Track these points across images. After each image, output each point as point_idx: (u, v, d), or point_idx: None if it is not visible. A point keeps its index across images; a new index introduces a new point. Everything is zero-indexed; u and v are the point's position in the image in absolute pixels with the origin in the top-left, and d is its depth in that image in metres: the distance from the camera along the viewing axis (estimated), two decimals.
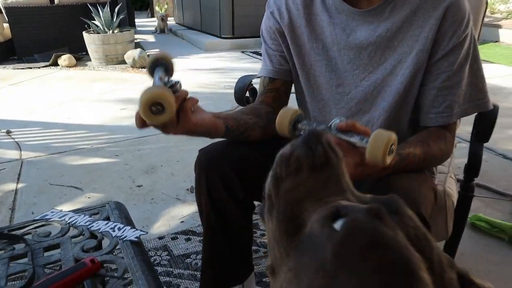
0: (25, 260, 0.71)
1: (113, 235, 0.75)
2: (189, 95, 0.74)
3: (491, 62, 5.01)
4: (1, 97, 3.70)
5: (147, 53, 5.19)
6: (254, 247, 1.53)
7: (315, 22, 0.93)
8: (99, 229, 0.77)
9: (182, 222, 1.71)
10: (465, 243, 1.58)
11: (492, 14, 7.58)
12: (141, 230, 0.76)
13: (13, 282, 0.66)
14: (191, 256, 1.48)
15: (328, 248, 0.30)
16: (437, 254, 0.34)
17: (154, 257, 1.47)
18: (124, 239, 0.74)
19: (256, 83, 1.15)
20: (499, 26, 6.66)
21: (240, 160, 0.88)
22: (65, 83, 4.19)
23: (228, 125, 0.84)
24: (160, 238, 1.59)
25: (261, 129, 0.92)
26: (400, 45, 0.86)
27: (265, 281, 1.35)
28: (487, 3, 1.38)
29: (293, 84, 1.04)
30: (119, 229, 0.76)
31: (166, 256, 1.49)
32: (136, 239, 0.73)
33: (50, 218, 0.81)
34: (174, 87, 0.70)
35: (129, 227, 0.77)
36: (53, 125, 2.90)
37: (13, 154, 2.40)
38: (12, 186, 2.02)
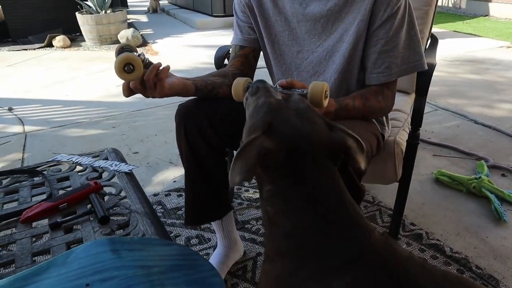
0: (43, 187, 0.90)
1: (111, 169, 0.93)
2: (166, 67, 0.91)
3: (479, 36, 5.12)
4: None
5: (140, 33, 5.29)
6: (239, 201, 1.72)
7: None
8: (100, 165, 0.95)
9: (174, 181, 1.90)
10: (427, 194, 1.79)
11: None
12: (133, 165, 0.94)
13: (36, 199, 0.85)
14: (182, 209, 1.67)
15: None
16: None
17: None
18: (119, 171, 0.92)
19: None
20: (489, 0, 6.74)
21: (212, 112, 1.06)
22: (61, 63, 4.31)
23: (197, 85, 1.01)
24: (155, 195, 1.78)
25: (227, 87, 1.07)
26: (347, 16, 1.03)
27: (247, 227, 1.55)
28: None
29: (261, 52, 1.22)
30: (116, 165, 0.94)
31: (160, 209, 1.68)
32: (129, 171, 0.92)
33: (60, 160, 1.00)
34: (147, 61, 0.90)
35: (123, 163, 0.95)
36: (52, 102, 3.05)
37: (17, 128, 2.57)
38: (18, 155, 2.19)
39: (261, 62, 1.24)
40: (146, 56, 0.91)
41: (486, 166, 1.91)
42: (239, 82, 0.86)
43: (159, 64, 0.90)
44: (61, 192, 0.87)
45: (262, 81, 0.77)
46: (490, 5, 6.71)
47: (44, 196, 0.86)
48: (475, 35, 5.18)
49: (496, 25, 5.89)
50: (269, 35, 1.14)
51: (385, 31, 1.00)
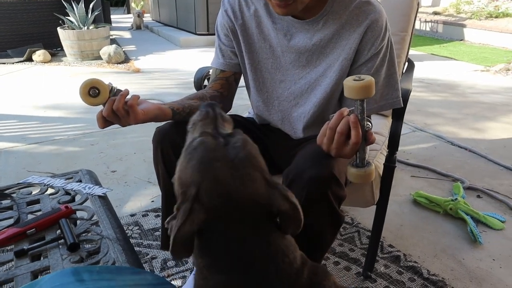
0: (10, 211, 0.86)
1: (84, 192, 0.91)
2: (135, 95, 0.90)
3: (455, 59, 5.30)
4: None
5: (123, 49, 5.27)
6: None
7: (263, 24, 1.09)
8: (73, 188, 0.93)
9: (152, 201, 1.86)
10: (406, 216, 1.80)
11: (457, 14, 7.94)
12: (107, 188, 0.92)
13: (1, 224, 0.81)
14: (159, 230, 1.63)
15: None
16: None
17: (126, 231, 1.62)
18: (93, 194, 0.89)
19: None
20: (464, 26, 7.01)
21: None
22: (40, 78, 4.24)
23: (174, 108, 0.99)
24: (132, 215, 1.74)
25: None
26: (331, 52, 1.04)
27: None
28: (418, 4, 1.59)
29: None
30: (89, 188, 0.92)
31: (137, 230, 1.64)
32: (102, 194, 0.90)
33: (31, 182, 0.96)
34: (116, 90, 0.89)
35: (97, 186, 0.93)
36: (29, 118, 2.99)
37: None
38: None
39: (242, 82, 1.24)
40: (115, 85, 0.91)
41: (462, 187, 1.95)
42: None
43: (127, 92, 0.89)
44: (30, 216, 0.83)
45: (213, 106, 0.71)
46: (465, 30, 6.98)
47: (11, 221, 0.82)
48: (451, 58, 5.36)
49: (471, 49, 6.11)
50: (252, 62, 1.13)
51: (367, 68, 1.02)
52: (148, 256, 1.47)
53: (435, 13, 8.17)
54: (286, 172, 0.93)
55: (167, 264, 1.43)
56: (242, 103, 1.76)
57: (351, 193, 1.18)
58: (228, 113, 1.15)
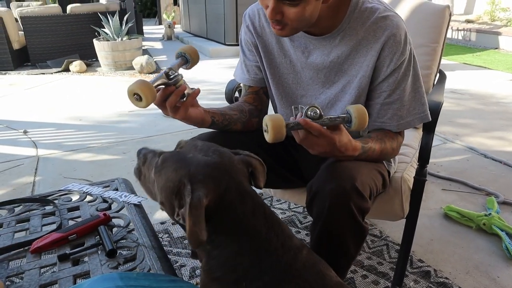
0: (53, 217, 0.92)
1: (120, 200, 0.95)
2: (194, 92, 0.93)
3: (489, 68, 5.15)
4: (17, 100, 3.94)
5: (154, 59, 5.43)
6: None
7: (282, 40, 1.11)
8: (110, 196, 0.97)
9: None
10: (436, 230, 1.76)
11: (492, 21, 7.71)
12: (142, 197, 0.96)
13: (46, 229, 0.87)
14: None
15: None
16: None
17: None
18: (129, 203, 0.94)
19: None
20: (499, 33, 6.79)
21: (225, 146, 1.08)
22: (76, 87, 4.44)
23: (214, 119, 1.04)
24: (162, 223, 1.79)
25: (242, 124, 1.13)
26: (349, 69, 1.04)
27: None
28: (450, 14, 1.57)
29: None
30: (125, 196, 0.96)
31: (167, 238, 1.68)
32: (138, 203, 0.94)
33: (71, 189, 1.02)
34: (174, 79, 0.89)
35: (133, 195, 0.97)
36: (66, 126, 3.13)
37: (30, 151, 2.62)
38: (30, 179, 2.23)
39: None
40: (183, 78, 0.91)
41: (496, 202, 1.89)
42: (279, 122, 0.81)
43: (183, 89, 0.90)
44: (71, 222, 0.89)
45: (140, 151, 0.80)
46: (500, 38, 6.76)
47: (54, 226, 0.88)
48: (485, 67, 5.20)
49: (506, 58, 5.91)
50: (274, 76, 1.14)
51: (388, 84, 1.02)
52: (177, 264, 1.51)
53: (468, 21, 7.95)
54: (310, 185, 0.95)
55: (196, 272, 1.46)
56: None
57: (380, 206, 1.18)
58: None
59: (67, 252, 0.77)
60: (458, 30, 7.60)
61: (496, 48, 6.74)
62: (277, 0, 0.86)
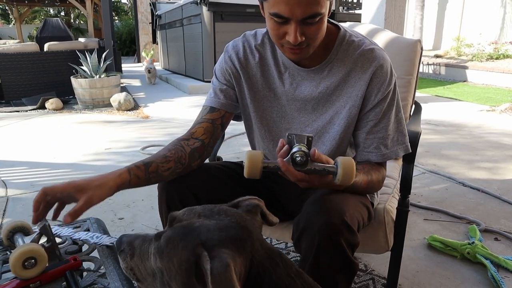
0: None
1: (91, 242, 0.89)
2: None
3: (460, 100, 5.35)
4: None
5: (132, 96, 5.41)
6: None
7: (268, 72, 1.09)
8: (80, 237, 0.91)
9: None
10: (421, 261, 1.73)
11: (459, 56, 8.13)
12: (115, 237, 0.90)
13: (5, 276, 0.79)
14: None
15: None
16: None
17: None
18: (100, 244, 0.87)
19: None
20: (466, 67, 7.15)
21: (195, 182, 1.04)
22: (51, 125, 4.33)
23: (131, 182, 0.99)
24: None
25: (176, 174, 1.03)
26: (337, 100, 1.04)
27: None
28: (421, 48, 1.63)
29: (243, 124, 1.19)
30: (97, 237, 0.90)
31: None
32: (110, 244, 0.87)
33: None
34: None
35: (105, 236, 0.91)
36: (39, 164, 3.01)
37: None
38: None
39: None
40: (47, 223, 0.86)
41: (478, 230, 1.89)
42: (256, 160, 0.81)
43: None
44: None
45: (119, 242, 0.71)
46: (467, 71, 7.11)
47: None
48: (456, 99, 5.41)
49: (474, 90, 6.18)
50: (257, 109, 1.11)
51: (375, 113, 1.03)
52: None
53: (437, 56, 8.36)
54: (297, 221, 0.91)
55: None
56: None
57: (364, 239, 1.15)
58: (231, 159, 1.15)
59: None
60: (428, 64, 7.97)
61: (465, 81, 7.06)
62: (300, 22, 0.87)
